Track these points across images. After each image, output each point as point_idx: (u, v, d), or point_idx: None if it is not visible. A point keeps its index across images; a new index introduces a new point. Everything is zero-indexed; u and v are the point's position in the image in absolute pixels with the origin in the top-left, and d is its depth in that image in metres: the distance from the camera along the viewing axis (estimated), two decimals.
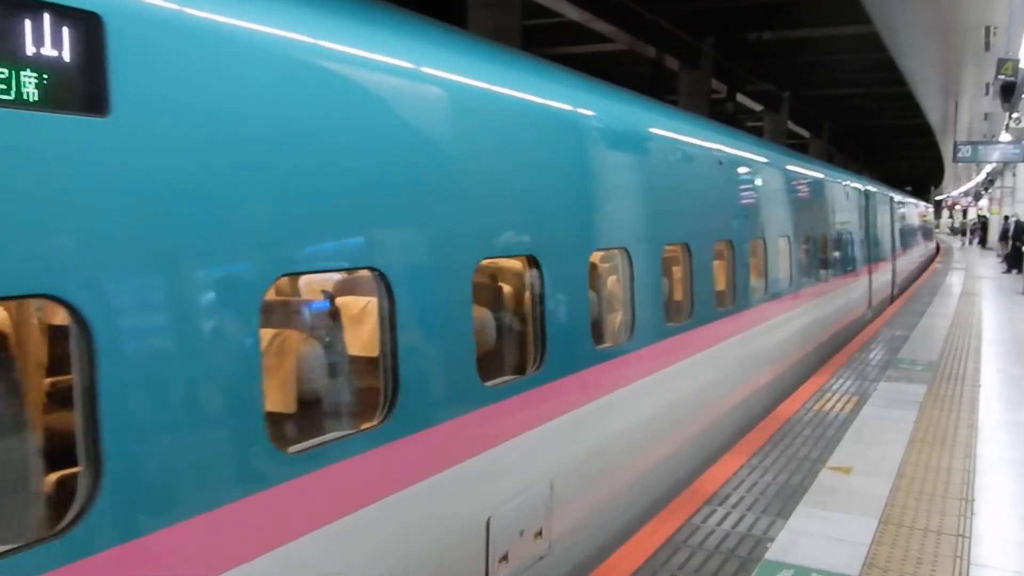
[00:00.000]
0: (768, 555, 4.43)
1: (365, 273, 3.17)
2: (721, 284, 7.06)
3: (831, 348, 11.58)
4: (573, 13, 18.40)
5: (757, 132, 31.64)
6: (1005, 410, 7.76)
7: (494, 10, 14.76)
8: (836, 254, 12.17)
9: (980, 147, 21.75)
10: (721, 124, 8.35)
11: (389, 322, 3.13)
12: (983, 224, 45.10)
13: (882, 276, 16.91)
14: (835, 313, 12.02)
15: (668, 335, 5.72)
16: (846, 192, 13.25)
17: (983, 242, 42.10)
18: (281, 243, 2.70)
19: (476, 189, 3.66)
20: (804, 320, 10.00)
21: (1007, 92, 15.03)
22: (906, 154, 61.91)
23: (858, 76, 30.07)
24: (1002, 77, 13.26)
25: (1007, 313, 15.79)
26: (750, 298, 7.75)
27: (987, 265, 28.13)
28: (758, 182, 8.29)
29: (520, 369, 4.15)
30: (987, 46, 14.04)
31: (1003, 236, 27.81)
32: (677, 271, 6.30)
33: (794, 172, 9.98)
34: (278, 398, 3.17)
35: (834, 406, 7.83)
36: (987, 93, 18.09)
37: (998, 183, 39.30)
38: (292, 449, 2.81)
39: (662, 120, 6.14)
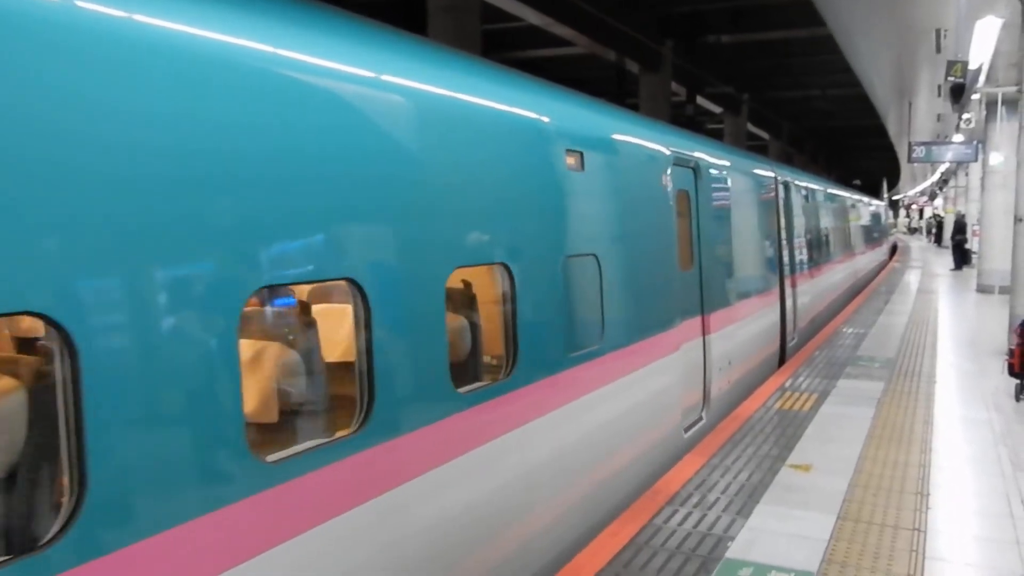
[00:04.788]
0: (729, 554, 4.46)
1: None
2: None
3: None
4: (533, 17, 18.47)
5: (718, 134, 32.09)
6: (959, 405, 7.92)
7: (454, 15, 14.76)
8: (566, 314, 4.80)
9: (934, 147, 22.17)
10: None
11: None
12: (938, 223, 46.07)
13: (746, 329, 8.87)
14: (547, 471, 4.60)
15: None
16: (629, 164, 5.86)
17: (939, 240, 42.99)
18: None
19: None
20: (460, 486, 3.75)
21: (956, 93, 15.40)
22: (864, 155, 63.17)
23: (815, 78, 30.67)
24: (951, 79, 13.55)
25: (961, 310, 16.14)
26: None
27: (942, 263, 28.74)
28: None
29: None
30: (938, 48, 14.34)
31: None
32: None
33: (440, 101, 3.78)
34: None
35: (795, 404, 7.93)
36: (939, 95, 18.49)
37: (952, 182, 40.18)
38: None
39: None
